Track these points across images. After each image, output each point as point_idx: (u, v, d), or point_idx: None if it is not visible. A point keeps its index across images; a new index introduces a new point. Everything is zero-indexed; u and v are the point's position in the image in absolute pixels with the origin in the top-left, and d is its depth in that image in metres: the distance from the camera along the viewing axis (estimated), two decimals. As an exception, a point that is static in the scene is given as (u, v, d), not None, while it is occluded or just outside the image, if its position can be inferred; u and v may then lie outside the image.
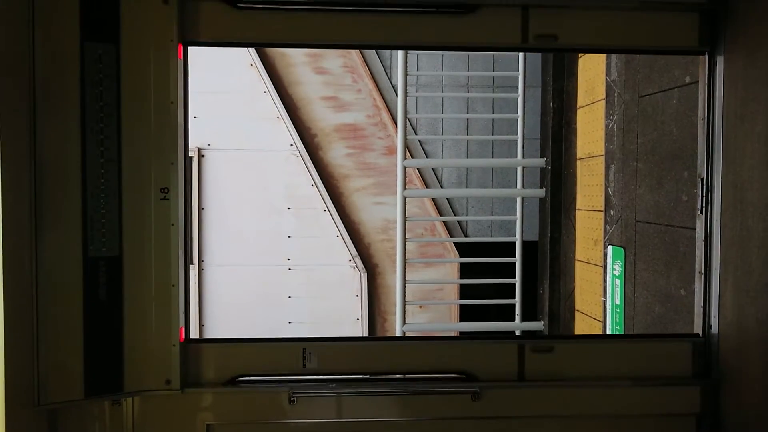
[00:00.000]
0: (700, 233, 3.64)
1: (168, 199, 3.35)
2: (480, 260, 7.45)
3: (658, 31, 3.56)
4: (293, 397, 3.44)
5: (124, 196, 3.30)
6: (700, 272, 3.60)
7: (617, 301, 6.12)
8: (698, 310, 3.64)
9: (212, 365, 3.50)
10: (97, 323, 3.25)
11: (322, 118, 8.01)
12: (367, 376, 3.52)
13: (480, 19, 3.50)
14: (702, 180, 3.64)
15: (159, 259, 3.35)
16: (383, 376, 3.57)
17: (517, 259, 7.08)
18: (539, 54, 7.85)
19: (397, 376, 3.60)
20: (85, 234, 3.22)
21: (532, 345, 3.56)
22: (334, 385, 3.51)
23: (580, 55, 7.20)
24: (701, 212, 3.66)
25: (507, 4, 3.47)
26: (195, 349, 3.48)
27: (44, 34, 3.09)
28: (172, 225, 3.35)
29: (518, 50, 3.43)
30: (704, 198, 3.62)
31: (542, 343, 3.56)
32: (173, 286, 3.36)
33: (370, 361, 3.62)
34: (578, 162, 7.33)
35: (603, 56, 6.60)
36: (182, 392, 3.40)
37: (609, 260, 6.40)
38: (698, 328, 3.64)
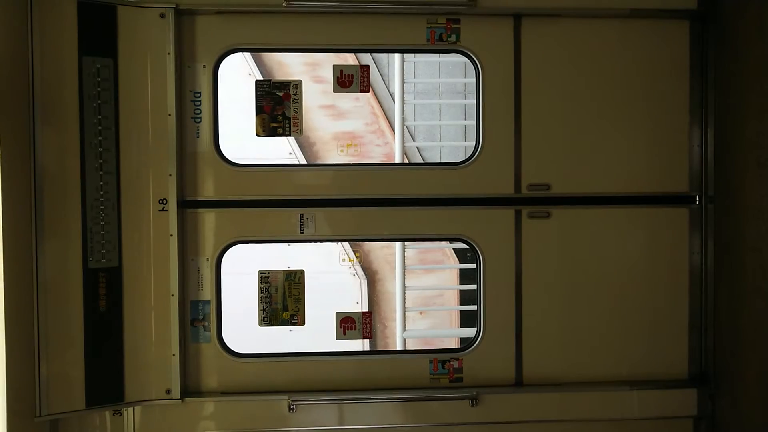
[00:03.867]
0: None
1: (166, 210, 3.38)
2: (479, 266, 7.45)
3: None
4: (293, 404, 3.47)
5: (123, 208, 3.33)
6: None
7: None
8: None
9: (212, 232, 3.52)
10: (97, 334, 3.28)
11: (321, 126, 8.04)
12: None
13: (474, 171, 3.59)
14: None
15: (158, 269, 3.39)
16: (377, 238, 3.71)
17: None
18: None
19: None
20: (85, 245, 3.25)
21: (529, 211, 3.60)
22: (333, 393, 3.54)
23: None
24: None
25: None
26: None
27: (43, 49, 3.14)
28: (171, 236, 3.38)
29: (512, 202, 3.61)
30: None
31: (539, 209, 3.60)
32: (172, 296, 3.39)
33: (368, 227, 3.65)
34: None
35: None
36: (182, 401, 3.42)
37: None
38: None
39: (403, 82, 6.76)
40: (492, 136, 3.59)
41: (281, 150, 8.01)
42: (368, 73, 3.63)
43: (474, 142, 3.64)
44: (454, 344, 7.64)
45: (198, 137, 3.49)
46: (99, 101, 3.27)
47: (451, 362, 3.61)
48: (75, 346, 3.24)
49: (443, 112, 8.15)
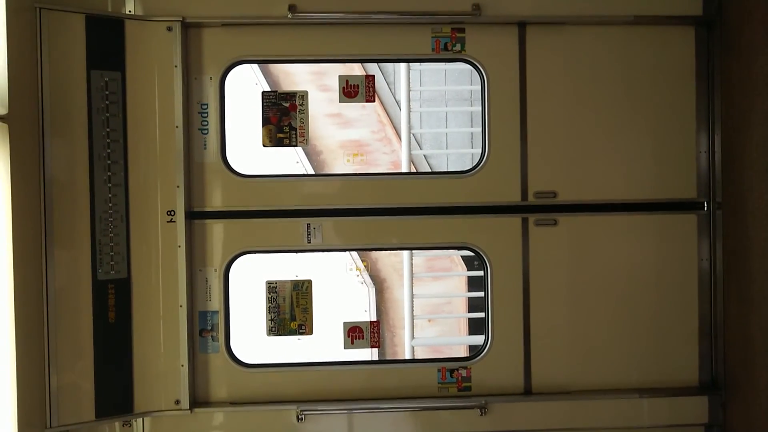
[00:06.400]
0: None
1: (174, 222, 3.40)
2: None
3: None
4: (301, 414, 3.47)
5: (132, 220, 3.35)
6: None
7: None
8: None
9: (219, 242, 3.53)
10: (107, 345, 3.30)
11: (327, 134, 8.06)
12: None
13: (480, 179, 3.60)
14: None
15: (166, 280, 3.41)
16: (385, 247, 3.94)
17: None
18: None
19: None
20: (94, 257, 3.27)
21: (536, 219, 3.59)
22: (341, 403, 3.54)
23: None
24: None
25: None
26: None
27: (51, 64, 3.16)
28: (179, 247, 3.40)
29: (518, 210, 3.62)
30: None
31: (546, 217, 3.60)
32: (181, 306, 3.41)
33: (375, 237, 3.65)
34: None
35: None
36: (191, 412, 3.43)
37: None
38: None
39: (409, 89, 6.78)
40: (498, 145, 3.59)
41: (288, 158, 8.03)
42: (374, 83, 3.64)
43: (480, 149, 3.65)
44: (463, 352, 7.63)
45: (205, 149, 3.52)
46: (107, 114, 3.30)
47: (459, 371, 3.61)
48: (85, 358, 3.25)
49: (449, 120, 8.15)
